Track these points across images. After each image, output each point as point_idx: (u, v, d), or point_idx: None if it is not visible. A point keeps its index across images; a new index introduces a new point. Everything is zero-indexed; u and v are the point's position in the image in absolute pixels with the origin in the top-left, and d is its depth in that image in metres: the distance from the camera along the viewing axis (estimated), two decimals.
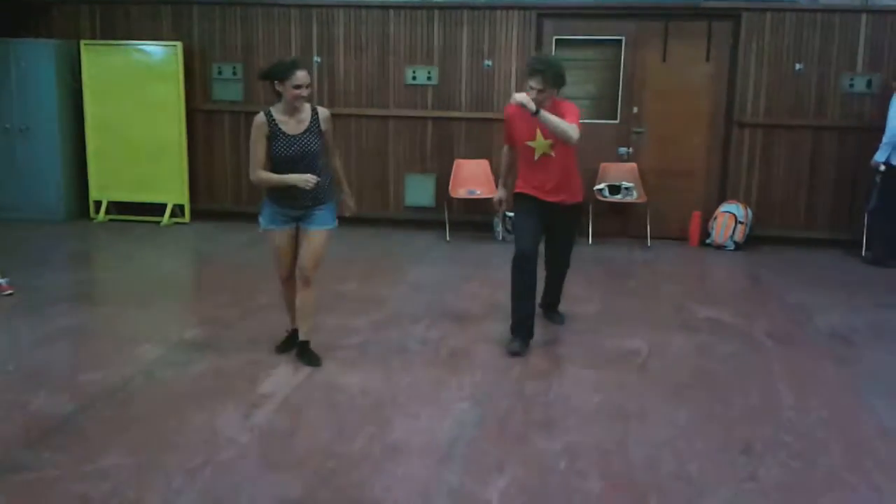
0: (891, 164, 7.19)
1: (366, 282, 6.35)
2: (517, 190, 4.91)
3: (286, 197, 4.27)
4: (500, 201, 5.15)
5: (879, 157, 7.26)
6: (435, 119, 8.48)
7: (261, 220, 4.42)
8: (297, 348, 4.55)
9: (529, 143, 4.78)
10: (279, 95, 4.18)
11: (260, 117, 4.21)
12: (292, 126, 4.23)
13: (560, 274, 5.25)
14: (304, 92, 4.16)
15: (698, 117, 8.24)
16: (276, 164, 4.24)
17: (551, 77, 4.56)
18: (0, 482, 3.08)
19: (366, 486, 3.11)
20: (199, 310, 5.72)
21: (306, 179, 4.14)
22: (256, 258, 7.12)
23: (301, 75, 4.12)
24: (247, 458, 3.33)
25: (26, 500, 2.96)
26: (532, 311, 4.78)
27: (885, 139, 7.18)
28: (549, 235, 4.98)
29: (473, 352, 4.74)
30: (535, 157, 4.77)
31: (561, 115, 4.51)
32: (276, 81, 4.13)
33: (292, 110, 4.23)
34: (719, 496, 3.10)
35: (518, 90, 8.36)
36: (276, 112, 4.22)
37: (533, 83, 4.55)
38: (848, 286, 6.55)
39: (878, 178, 7.32)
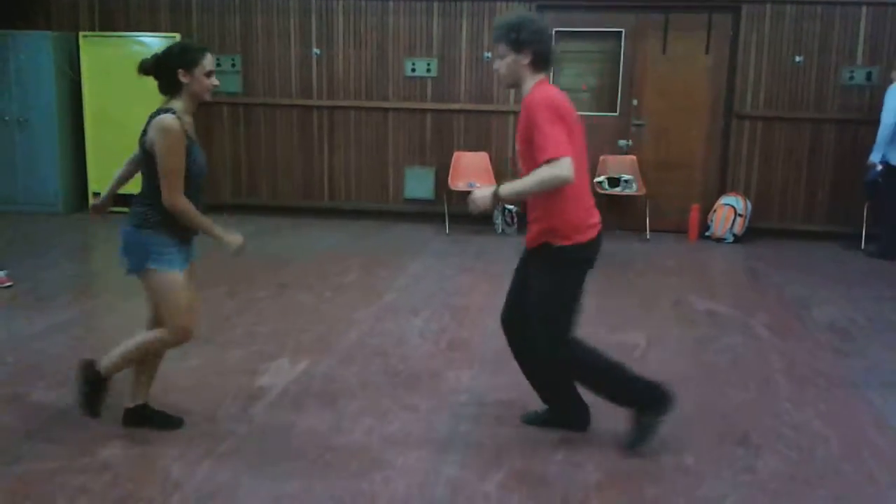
0: (889, 164, 7.19)
1: (365, 274, 6.35)
2: None
3: (184, 231, 3.30)
4: None
5: (874, 157, 7.26)
6: (434, 111, 8.47)
7: (156, 260, 3.23)
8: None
9: None
10: (177, 89, 3.24)
11: (174, 121, 3.16)
12: (192, 131, 3.29)
13: (539, 365, 3.51)
14: (217, 80, 3.34)
15: (698, 110, 8.23)
16: (187, 186, 3.21)
17: (505, 38, 3.16)
18: (0, 473, 3.10)
19: (364, 478, 3.12)
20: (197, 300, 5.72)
21: (241, 245, 3.33)
22: (254, 251, 7.11)
23: (211, 58, 3.27)
24: (245, 449, 3.34)
25: (26, 491, 2.96)
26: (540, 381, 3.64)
27: (878, 139, 7.18)
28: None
29: (472, 344, 4.75)
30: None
31: (525, 122, 3.10)
32: (179, 70, 3.21)
33: (193, 110, 3.32)
34: (717, 487, 3.11)
35: None
36: (180, 112, 3.23)
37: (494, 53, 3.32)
38: (847, 279, 6.56)
39: (879, 178, 7.31)
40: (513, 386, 4.06)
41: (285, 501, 2.95)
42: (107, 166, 8.71)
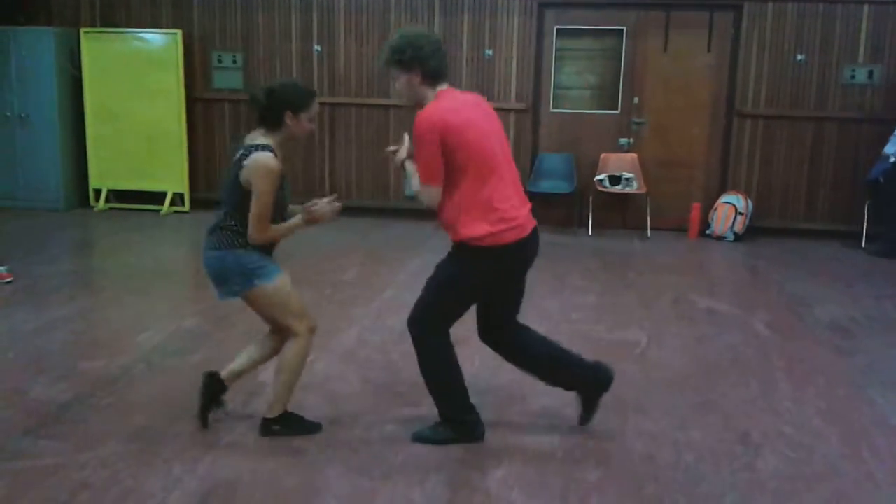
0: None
1: (365, 271, 6.35)
2: None
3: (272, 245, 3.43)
4: None
5: (889, 148, 7.27)
6: None
7: (261, 275, 3.30)
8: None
9: None
10: (278, 127, 3.27)
11: (275, 161, 3.18)
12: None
13: (533, 357, 3.55)
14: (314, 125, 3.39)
15: (699, 108, 8.23)
16: (275, 214, 3.29)
17: (392, 62, 3.21)
18: (0, 469, 3.09)
19: (365, 475, 3.12)
20: (198, 298, 5.72)
21: (328, 210, 3.41)
22: None
23: (317, 104, 3.36)
24: (245, 445, 3.34)
25: (26, 487, 2.97)
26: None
27: None
28: None
29: (472, 341, 4.74)
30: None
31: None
32: (288, 112, 3.23)
33: (284, 146, 3.36)
34: (717, 486, 3.11)
35: (518, 80, 8.41)
36: (274, 146, 3.28)
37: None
38: (847, 277, 6.56)
39: (881, 176, 7.31)
40: (512, 383, 4.07)
41: (286, 497, 2.96)
42: (108, 162, 8.73)
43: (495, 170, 3.17)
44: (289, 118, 3.24)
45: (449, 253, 3.31)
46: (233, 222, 3.27)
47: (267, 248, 3.36)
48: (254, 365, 3.57)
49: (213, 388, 3.48)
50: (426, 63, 3.14)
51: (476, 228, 3.13)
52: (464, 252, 3.21)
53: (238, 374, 3.53)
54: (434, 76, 3.18)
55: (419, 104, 3.21)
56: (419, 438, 3.41)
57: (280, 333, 3.48)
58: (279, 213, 3.32)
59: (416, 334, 3.37)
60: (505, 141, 3.34)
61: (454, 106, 3.16)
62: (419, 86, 3.19)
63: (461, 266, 3.26)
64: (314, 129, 3.39)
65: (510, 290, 3.41)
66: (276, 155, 3.21)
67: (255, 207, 3.17)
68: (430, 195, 3.13)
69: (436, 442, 3.38)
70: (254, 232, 3.22)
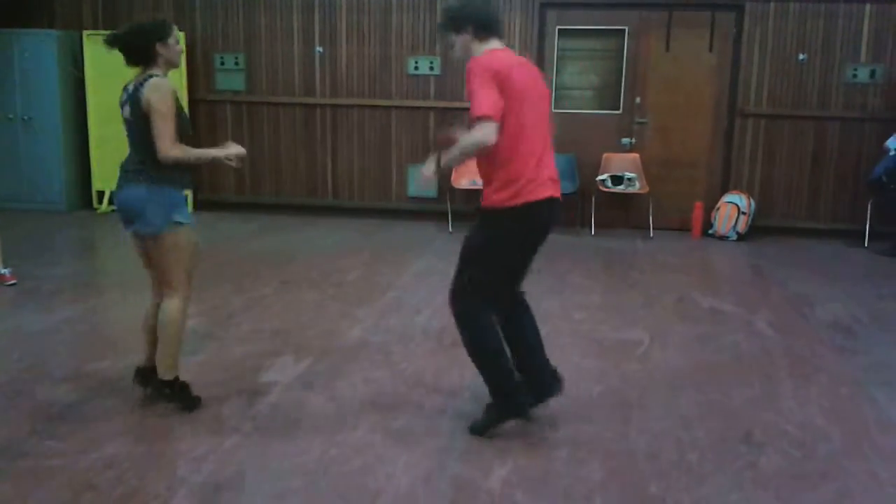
0: None
1: (368, 272, 6.36)
2: None
3: (187, 178, 3.57)
4: None
5: (892, 142, 7.29)
6: (437, 109, 8.47)
7: (180, 212, 3.47)
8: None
9: None
10: (153, 61, 3.47)
11: (165, 80, 3.43)
12: None
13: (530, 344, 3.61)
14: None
15: (701, 107, 8.23)
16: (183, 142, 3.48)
17: (446, 27, 3.34)
18: (5, 469, 3.11)
19: (368, 474, 3.13)
20: (202, 299, 5.73)
21: (241, 153, 3.59)
22: (259, 248, 7.14)
23: (175, 29, 3.59)
24: (249, 446, 3.35)
25: (31, 487, 2.98)
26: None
27: None
28: None
29: None
30: None
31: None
32: (157, 43, 3.45)
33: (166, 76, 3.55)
34: (719, 484, 3.12)
35: None
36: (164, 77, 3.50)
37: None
38: (850, 276, 6.56)
39: (883, 176, 7.32)
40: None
41: (290, 497, 2.96)
42: (111, 164, 8.72)
43: (528, 130, 3.21)
44: (160, 48, 3.47)
45: (478, 221, 3.37)
46: (141, 159, 3.43)
47: (184, 182, 3.50)
48: (154, 334, 3.67)
49: (147, 378, 3.73)
50: (475, 19, 3.24)
51: (504, 191, 3.21)
52: (492, 216, 3.29)
53: (154, 353, 3.69)
54: (484, 31, 3.25)
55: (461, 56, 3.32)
56: (476, 430, 3.43)
57: (157, 294, 3.62)
58: (181, 140, 3.43)
59: (456, 311, 3.44)
60: (546, 106, 3.35)
61: (515, 63, 3.21)
62: (472, 43, 3.27)
63: (492, 230, 3.34)
64: (181, 49, 3.61)
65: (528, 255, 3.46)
66: (167, 79, 3.43)
67: (160, 124, 3.32)
68: (487, 129, 3.01)
69: (489, 426, 3.41)
70: (162, 145, 3.32)
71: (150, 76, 3.43)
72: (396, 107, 8.52)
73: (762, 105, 8.04)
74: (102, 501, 2.88)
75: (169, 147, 3.34)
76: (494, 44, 3.28)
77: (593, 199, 8.19)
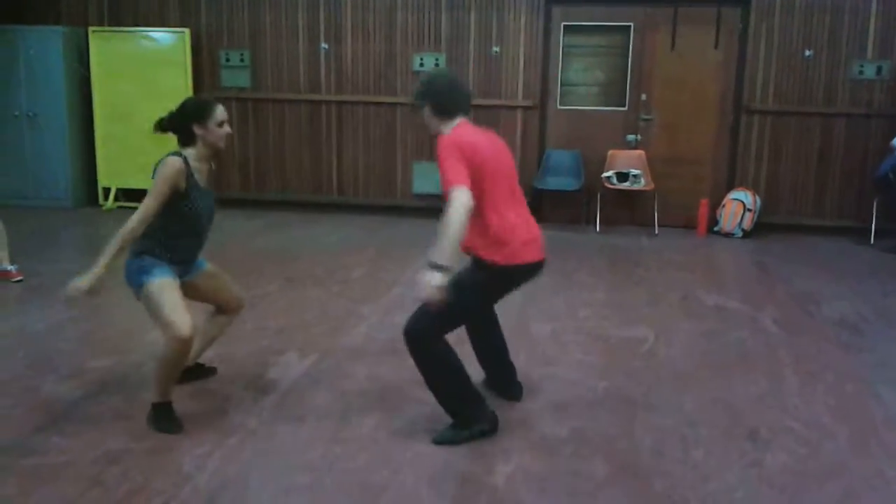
0: None
1: (373, 268, 6.36)
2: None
3: (184, 251, 3.64)
4: None
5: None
6: None
7: (149, 273, 3.61)
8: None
9: None
10: (193, 140, 3.49)
11: (177, 160, 3.40)
12: (203, 178, 3.57)
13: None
14: (229, 128, 3.55)
15: (707, 104, 8.21)
16: (184, 224, 3.52)
17: (417, 97, 3.45)
18: (11, 466, 3.11)
19: (373, 471, 3.13)
20: None
21: (78, 288, 3.59)
22: (264, 245, 7.14)
23: (222, 109, 3.49)
24: (255, 443, 3.36)
25: (37, 484, 2.98)
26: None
27: None
28: None
29: None
30: None
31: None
32: (194, 125, 3.45)
33: (209, 158, 3.58)
34: (725, 482, 3.11)
35: (525, 77, 8.39)
36: (192, 159, 3.49)
37: None
38: (856, 274, 6.54)
39: (890, 173, 7.30)
40: (521, 380, 4.07)
41: (295, 494, 2.97)
42: (116, 161, 8.77)
43: (506, 197, 3.37)
44: (197, 129, 3.45)
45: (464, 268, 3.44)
46: (148, 228, 3.53)
47: (173, 257, 3.58)
48: (209, 340, 3.91)
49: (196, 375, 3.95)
50: (435, 100, 3.37)
51: (493, 253, 3.33)
52: (481, 268, 3.40)
53: (199, 353, 3.87)
54: (444, 112, 3.38)
55: (439, 134, 3.37)
56: (441, 441, 3.40)
57: (221, 314, 3.90)
58: (192, 231, 3.55)
59: (415, 347, 3.51)
60: (515, 178, 3.48)
61: (481, 138, 3.35)
62: (432, 119, 3.40)
63: (476, 280, 3.45)
64: (229, 131, 3.55)
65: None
66: (185, 161, 3.42)
67: (144, 202, 3.40)
68: (460, 196, 3.09)
69: (456, 440, 3.39)
70: (127, 224, 3.45)
71: (174, 153, 3.47)
72: (402, 103, 8.52)
73: (768, 102, 8.02)
74: (108, 498, 2.89)
75: (127, 225, 3.48)
76: (459, 120, 3.38)
77: (598, 196, 8.18)
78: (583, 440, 3.44)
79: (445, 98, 3.37)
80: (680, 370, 4.31)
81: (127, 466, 3.12)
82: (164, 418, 3.46)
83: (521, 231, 3.35)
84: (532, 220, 3.46)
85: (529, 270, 3.41)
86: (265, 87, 8.72)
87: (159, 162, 3.43)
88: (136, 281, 3.61)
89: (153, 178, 3.43)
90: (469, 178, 3.15)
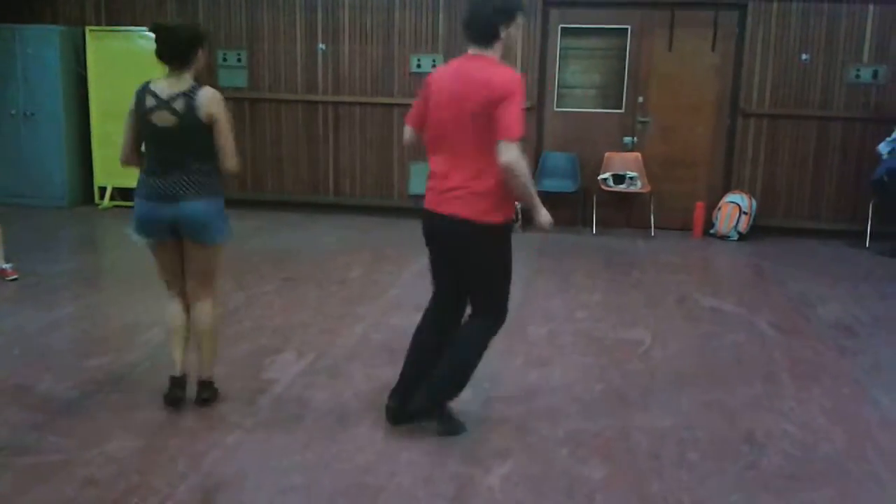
0: None
1: (370, 269, 6.36)
2: (511, 215, 3.37)
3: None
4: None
5: (883, 147, 7.32)
6: None
7: (227, 225, 3.62)
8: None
9: None
10: (189, 65, 3.50)
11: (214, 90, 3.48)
12: None
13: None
14: None
15: (703, 107, 8.23)
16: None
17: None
18: (6, 465, 3.11)
19: (370, 472, 3.13)
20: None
21: None
22: (261, 245, 7.14)
23: None
24: (251, 442, 3.35)
25: (33, 482, 2.98)
26: None
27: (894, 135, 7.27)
28: None
29: None
30: None
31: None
32: (200, 48, 3.52)
33: None
34: (720, 484, 3.12)
35: (523, 80, 8.36)
36: None
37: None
38: (852, 277, 6.56)
39: (885, 176, 7.33)
40: (517, 379, 4.08)
41: (291, 494, 2.97)
42: (112, 160, 8.69)
43: (436, 142, 3.28)
44: (201, 54, 3.51)
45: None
46: (206, 166, 3.43)
47: None
48: (187, 340, 3.73)
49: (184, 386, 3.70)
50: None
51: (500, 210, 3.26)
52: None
53: (184, 358, 3.71)
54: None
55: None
56: (454, 432, 3.43)
57: (184, 297, 3.66)
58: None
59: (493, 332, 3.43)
60: (465, 118, 3.15)
61: (440, 69, 3.36)
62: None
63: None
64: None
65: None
66: None
67: (229, 137, 3.38)
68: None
69: (457, 433, 3.42)
70: (233, 161, 3.42)
71: (197, 86, 3.42)
72: (399, 104, 8.51)
73: (764, 105, 8.03)
74: (104, 497, 2.89)
75: (236, 161, 3.44)
76: (469, 50, 3.28)
77: (595, 198, 8.19)
78: (579, 442, 3.44)
79: (465, 23, 3.29)
80: (676, 372, 4.31)
81: (123, 465, 3.11)
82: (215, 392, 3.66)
83: (431, 179, 3.30)
84: (451, 172, 3.21)
85: (425, 219, 3.33)
86: (262, 88, 8.71)
87: (192, 97, 3.36)
88: (218, 228, 3.52)
89: (200, 112, 3.35)
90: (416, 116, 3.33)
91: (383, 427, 3.52)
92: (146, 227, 3.50)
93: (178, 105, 3.36)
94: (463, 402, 3.80)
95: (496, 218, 3.19)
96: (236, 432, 3.43)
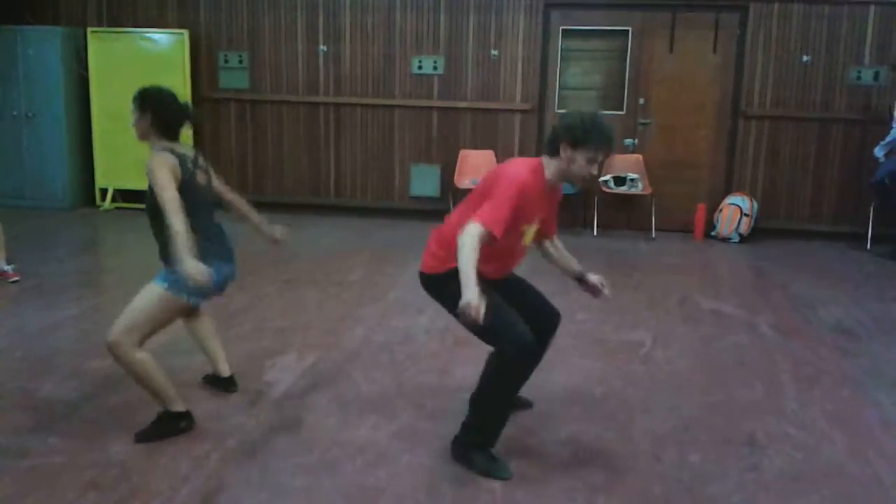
0: None
1: (371, 271, 6.36)
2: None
3: None
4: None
5: (878, 152, 7.33)
6: (441, 109, 8.47)
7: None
8: None
9: (528, 226, 3.32)
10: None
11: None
12: None
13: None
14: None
15: (704, 109, 8.23)
16: None
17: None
18: (8, 468, 3.11)
19: (370, 474, 3.13)
20: None
21: None
22: (261, 246, 7.12)
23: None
24: (252, 445, 3.35)
25: (35, 485, 2.98)
26: None
27: (890, 137, 7.25)
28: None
29: (477, 342, 4.74)
30: (522, 242, 3.38)
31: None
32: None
33: None
34: (722, 486, 3.12)
35: (524, 80, 8.41)
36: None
37: (601, 156, 3.22)
38: (853, 279, 6.56)
39: (886, 179, 7.33)
40: None
41: (293, 496, 2.97)
42: (113, 162, 8.75)
43: None
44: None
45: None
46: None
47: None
48: (213, 346, 3.88)
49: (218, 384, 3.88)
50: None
51: None
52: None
53: (213, 358, 3.88)
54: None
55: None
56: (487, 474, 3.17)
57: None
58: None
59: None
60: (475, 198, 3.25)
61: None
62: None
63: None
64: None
65: None
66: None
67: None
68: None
69: (487, 472, 3.16)
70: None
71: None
72: (400, 106, 8.52)
73: (766, 106, 8.03)
74: (105, 500, 2.89)
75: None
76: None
77: (596, 200, 8.19)
78: (580, 443, 3.44)
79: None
80: (677, 374, 4.32)
81: (125, 468, 3.11)
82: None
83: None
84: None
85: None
86: (263, 89, 8.71)
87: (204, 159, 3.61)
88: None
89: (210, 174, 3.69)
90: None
91: (384, 429, 3.53)
92: (213, 290, 3.52)
93: (205, 166, 3.60)
94: (464, 403, 3.80)
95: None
96: (237, 435, 3.43)
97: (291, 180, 8.85)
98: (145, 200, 3.36)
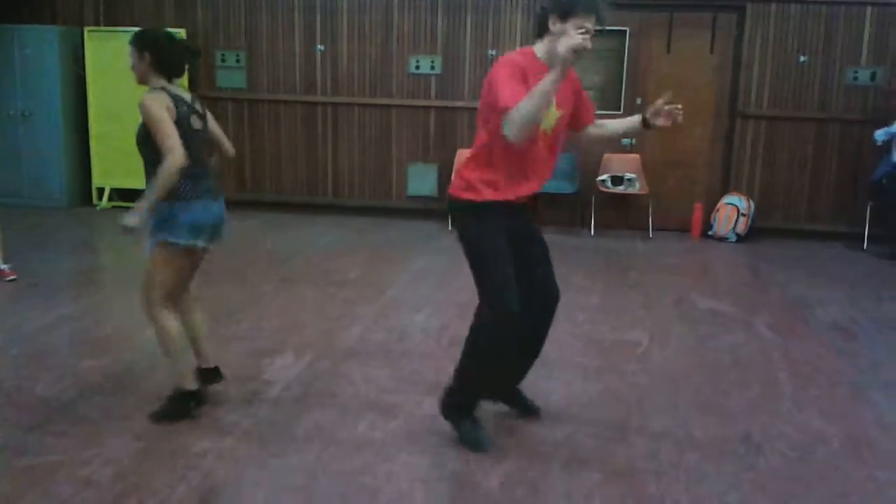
0: None
1: (368, 270, 6.36)
2: (487, 198, 3.23)
3: None
4: None
5: (879, 136, 7.33)
6: (438, 108, 8.47)
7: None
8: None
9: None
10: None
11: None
12: None
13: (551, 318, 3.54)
14: None
15: (702, 109, 8.23)
16: None
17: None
18: (4, 466, 3.11)
19: (367, 473, 3.13)
20: (202, 296, 5.73)
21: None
22: (259, 245, 7.14)
23: None
24: (249, 443, 3.35)
25: (30, 484, 2.98)
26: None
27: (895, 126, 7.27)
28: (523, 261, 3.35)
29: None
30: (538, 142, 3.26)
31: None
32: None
33: None
34: (718, 485, 3.12)
35: None
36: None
37: (589, 24, 3.25)
38: (850, 279, 6.57)
39: (883, 179, 7.34)
40: None
41: (289, 495, 2.97)
42: (111, 161, 8.74)
43: None
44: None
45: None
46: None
47: None
48: (198, 337, 3.76)
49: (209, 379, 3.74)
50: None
51: None
52: None
53: (200, 351, 3.75)
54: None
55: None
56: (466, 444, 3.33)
57: (174, 306, 3.63)
58: None
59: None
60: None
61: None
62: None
63: None
64: None
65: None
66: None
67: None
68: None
69: (469, 442, 3.32)
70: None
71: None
72: (397, 105, 8.52)
73: (762, 107, 8.05)
74: (102, 498, 2.89)
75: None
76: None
77: (593, 200, 8.20)
78: (577, 443, 3.45)
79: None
80: (674, 374, 4.32)
81: (121, 466, 3.11)
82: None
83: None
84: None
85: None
86: (261, 88, 8.71)
87: (201, 103, 3.71)
88: None
89: (206, 118, 3.75)
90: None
91: (381, 428, 3.53)
92: (206, 230, 3.51)
93: (202, 110, 3.66)
94: None
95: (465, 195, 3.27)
96: (234, 433, 3.43)
97: (289, 180, 8.84)
98: (136, 136, 3.41)
